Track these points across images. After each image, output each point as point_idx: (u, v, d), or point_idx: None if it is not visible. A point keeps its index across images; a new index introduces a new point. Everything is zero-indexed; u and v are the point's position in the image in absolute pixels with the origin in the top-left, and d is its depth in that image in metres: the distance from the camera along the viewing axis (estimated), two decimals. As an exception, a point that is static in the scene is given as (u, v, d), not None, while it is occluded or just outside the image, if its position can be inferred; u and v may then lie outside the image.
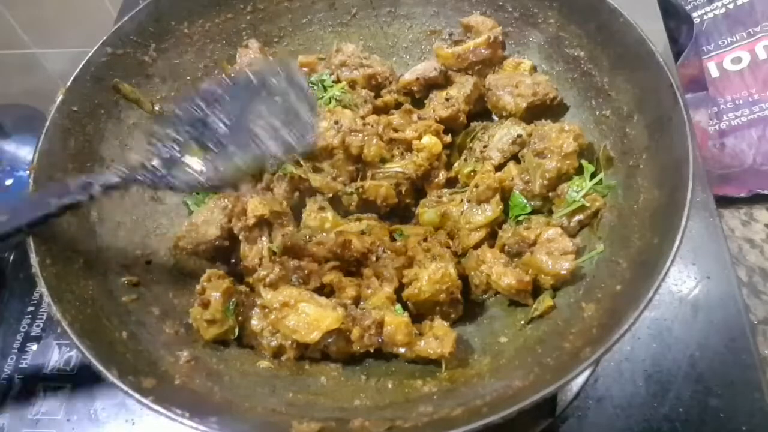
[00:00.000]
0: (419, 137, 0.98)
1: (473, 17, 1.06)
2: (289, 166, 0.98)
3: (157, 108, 1.02)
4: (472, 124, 1.05)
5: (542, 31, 1.04)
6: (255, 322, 0.85)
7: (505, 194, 0.95)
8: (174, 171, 0.76)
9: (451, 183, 1.02)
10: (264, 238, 0.92)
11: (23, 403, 0.98)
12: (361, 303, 0.85)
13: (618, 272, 0.77)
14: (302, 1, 1.13)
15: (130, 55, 0.99)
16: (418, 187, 1.01)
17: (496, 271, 0.85)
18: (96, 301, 0.78)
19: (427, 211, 0.98)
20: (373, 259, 0.89)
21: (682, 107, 0.76)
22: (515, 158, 0.99)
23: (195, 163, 0.76)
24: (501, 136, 0.99)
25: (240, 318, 0.85)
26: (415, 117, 1.02)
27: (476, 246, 0.92)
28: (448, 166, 1.03)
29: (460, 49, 1.05)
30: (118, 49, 0.97)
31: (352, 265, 0.90)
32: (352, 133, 0.95)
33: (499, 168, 0.98)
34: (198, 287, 0.85)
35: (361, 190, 0.96)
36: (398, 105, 1.08)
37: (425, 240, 0.93)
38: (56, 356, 1.04)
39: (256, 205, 0.91)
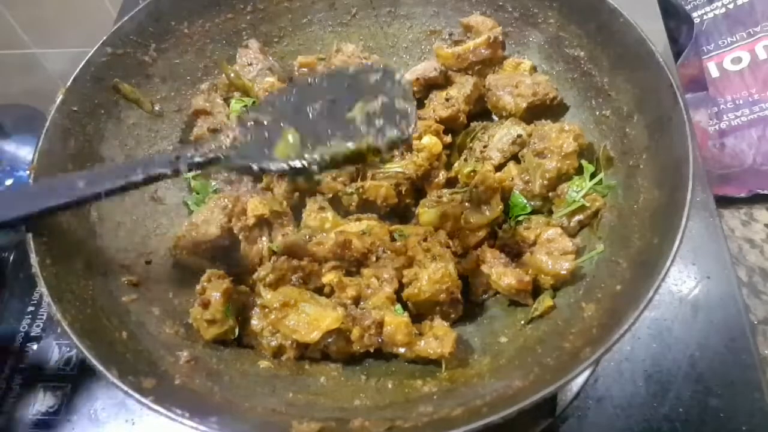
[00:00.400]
0: (419, 137, 0.98)
1: (473, 17, 1.06)
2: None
3: (157, 108, 1.02)
4: (472, 124, 1.05)
5: (542, 31, 1.04)
6: (255, 322, 0.85)
7: (505, 194, 0.95)
8: (265, 151, 0.73)
9: (451, 183, 1.01)
10: (264, 238, 0.92)
11: (23, 403, 0.99)
12: (361, 303, 0.85)
13: (618, 272, 0.77)
14: (302, 1, 1.13)
15: (130, 55, 0.99)
16: (418, 187, 1.01)
17: (497, 271, 0.85)
18: (96, 301, 0.77)
19: (427, 211, 0.98)
20: (373, 259, 0.89)
21: (682, 107, 0.76)
22: (515, 158, 0.99)
23: (289, 148, 0.73)
24: (501, 136, 0.99)
25: (240, 318, 0.85)
26: (415, 117, 1.02)
27: (476, 246, 0.92)
28: (448, 166, 1.03)
29: (460, 49, 1.05)
30: (118, 49, 0.97)
31: (352, 265, 0.90)
32: (352, 133, 0.95)
33: (499, 168, 0.98)
34: (198, 287, 0.85)
35: (361, 190, 0.96)
36: (398, 105, 1.08)
37: (425, 240, 0.93)
38: (56, 356, 1.04)
39: (256, 205, 0.91)
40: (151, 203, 0.97)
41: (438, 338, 0.79)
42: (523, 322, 0.84)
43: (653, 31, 1.18)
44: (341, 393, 0.79)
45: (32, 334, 1.06)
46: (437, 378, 0.79)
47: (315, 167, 0.72)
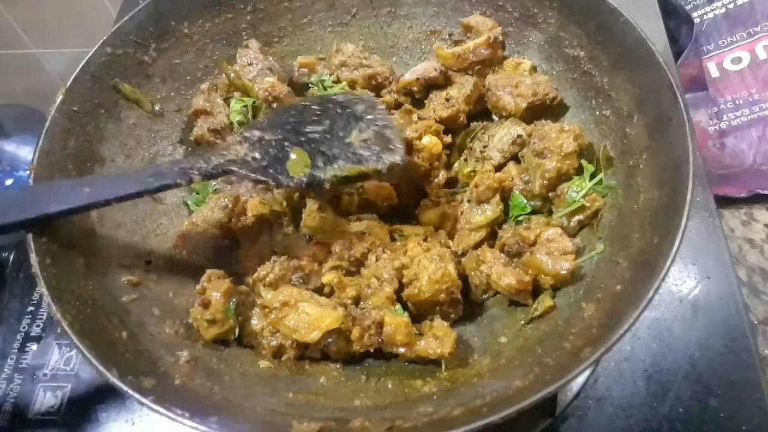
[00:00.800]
0: (419, 137, 0.98)
1: (473, 17, 1.06)
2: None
3: (157, 108, 1.02)
4: (472, 125, 1.05)
5: (542, 31, 1.04)
6: (255, 322, 0.85)
7: (505, 194, 0.95)
8: (278, 167, 0.82)
9: (451, 183, 1.02)
10: (264, 238, 0.92)
11: (23, 403, 0.98)
12: (361, 303, 0.85)
13: (618, 272, 0.77)
14: (302, 1, 1.13)
15: (130, 55, 0.99)
16: (419, 187, 1.01)
17: (496, 271, 0.85)
18: (96, 301, 0.77)
19: (427, 212, 0.98)
20: (373, 259, 0.89)
21: (682, 107, 0.76)
22: (515, 158, 0.99)
23: (300, 166, 0.83)
24: (501, 136, 0.99)
25: (240, 318, 0.85)
26: (415, 117, 1.02)
27: (476, 246, 0.92)
28: (448, 166, 1.03)
29: (460, 49, 1.05)
30: (118, 49, 0.97)
31: (352, 265, 0.90)
32: (353, 133, 0.95)
33: (499, 168, 0.98)
34: (198, 287, 0.85)
35: (361, 190, 0.96)
36: (398, 105, 1.08)
37: (425, 240, 0.93)
38: (56, 356, 1.04)
39: (255, 205, 0.91)
40: (151, 203, 0.97)
41: (438, 338, 0.79)
42: (523, 322, 0.84)
43: (653, 31, 1.18)
44: (341, 393, 0.79)
45: (32, 334, 1.06)
46: (437, 378, 0.79)
47: (327, 185, 0.82)
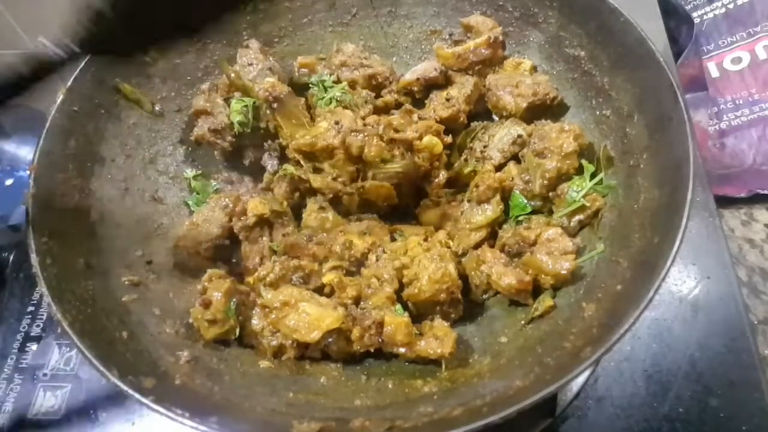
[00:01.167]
0: (420, 137, 0.98)
1: (473, 17, 1.06)
2: (290, 166, 0.98)
3: (157, 108, 1.02)
4: (472, 124, 1.05)
5: (542, 30, 1.04)
6: (255, 322, 0.85)
7: (506, 194, 0.95)
8: None
9: (451, 183, 1.01)
10: (264, 238, 0.92)
11: (23, 403, 0.98)
12: (362, 303, 0.85)
13: (618, 272, 0.77)
14: (302, 1, 1.13)
15: (131, 55, 0.99)
16: (419, 188, 1.01)
17: (497, 271, 0.85)
18: (96, 301, 0.77)
19: (427, 212, 0.98)
20: (374, 259, 0.89)
21: (682, 107, 0.76)
22: (515, 158, 0.99)
23: None
24: (501, 136, 0.99)
25: (240, 318, 0.85)
26: (415, 117, 1.02)
27: (476, 246, 0.92)
28: (449, 166, 1.03)
29: (460, 49, 1.05)
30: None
31: (353, 265, 0.90)
32: (353, 134, 0.95)
33: (499, 168, 0.98)
34: (199, 287, 0.85)
35: (361, 190, 0.96)
36: (398, 105, 1.08)
37: (425, 240, 0.93)
38: (56, 356, 1.04)
39: (256, 205, 0.91)
40: (151, 203, 0.97)
41: (438, 338, 0.79)
42: (523, 322, 0.84)
43: (653, 30, 1.18)
44: (341, 393, 0.79)
45: (32, 334, 1.06)
46: (437, 378, 0.79)
47: None
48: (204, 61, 1.08)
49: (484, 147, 1.00)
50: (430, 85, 1.08)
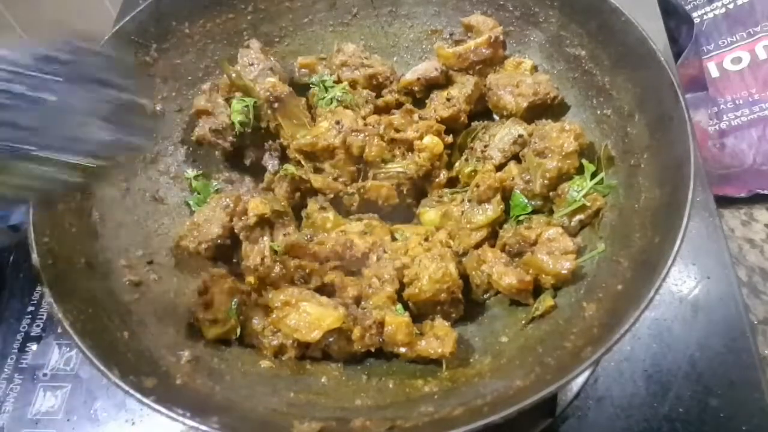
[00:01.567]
0: (420, 137, 0.98)
1: (474, 17, 1.06)
2: (291, 166, 0.98)
3: (158, 108, 1.02)
4: (473, 124, 1.05)
5: (543, 30, 1.04)
6: (256, 322, 0.85)
7: (506, 194, 0.95)
8: None
9: (452, 183, 1.02)
10: (265, 238, 0.92)
11: (23, 403, 0.98)
12: (362, 303, 0.85)
13: (619, 272, 0.77)
14: (303, 0, 1.13)
15: (131, 55, 0.99)
16: (419, 187, 1.01)
17: (497, 270, 0.85)
18: (97, 301, 0.77)
19: (428, 211, 0.98)
20: (374, 258, 0.89)
21: (683, 106, 0.76)
22: (516, 158, 0.99)
23: None
24: (502, 135, 0.99)
25: (241, 317, 0.85)
26: (416, 117, 1.02)
27: (477, 246, 0.92)
28: (449, 166, 1.03)
29: (461, 48, 1.05)
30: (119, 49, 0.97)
31: (353, 265, 0.90)
32: (354, 134, 0.95)
33: (500, 168, 0.98)
34: (200, 287, 0.85)
35: (362, 190, 0.96)
36: (399, 105, 1.08)
37: (426, 240, 0.93)
38: (56, 356, 1.03)
39: (257, 205, 0.91)
40: (152, 203, 0.97)
41: (439, 338, 0.79)
42: (524, 321, 0.84)
43: (653, 30, 1.18)
44: (342, 393, 0.79)
45: (32, 334, 1.06)
46: (438, 378, 0.79)
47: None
48: (205, 61, 1.08)
49: (485, 147, 1.00)
50: (431, 85, 1.08)
